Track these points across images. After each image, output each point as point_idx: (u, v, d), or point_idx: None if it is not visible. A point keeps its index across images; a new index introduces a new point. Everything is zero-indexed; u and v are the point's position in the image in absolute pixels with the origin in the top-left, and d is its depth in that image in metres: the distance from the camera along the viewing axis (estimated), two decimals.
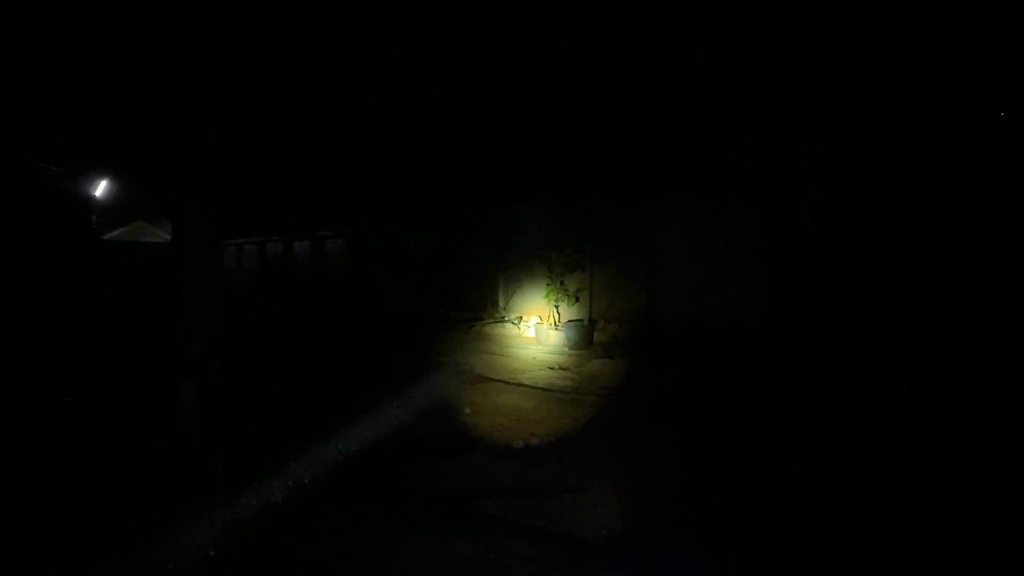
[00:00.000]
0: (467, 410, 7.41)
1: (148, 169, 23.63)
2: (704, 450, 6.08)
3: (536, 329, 13.12)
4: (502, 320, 14.74)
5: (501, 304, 15.17)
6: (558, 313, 12.99)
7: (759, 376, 9.08)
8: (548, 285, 13.02)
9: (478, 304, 15.66)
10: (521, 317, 14.44)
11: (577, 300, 12.94)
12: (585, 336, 12.07)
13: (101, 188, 21.36)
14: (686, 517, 4.39)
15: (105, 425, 6.13)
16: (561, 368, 10.16)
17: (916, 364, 8.25)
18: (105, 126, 20.40)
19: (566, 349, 11.98)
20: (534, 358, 11.20)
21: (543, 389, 8.69)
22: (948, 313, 8.68)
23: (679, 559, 3.76)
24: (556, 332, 12.50)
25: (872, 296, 9.47)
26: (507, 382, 9.12)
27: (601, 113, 12.78)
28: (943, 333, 8.54)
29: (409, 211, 17.78)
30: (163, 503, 4.03)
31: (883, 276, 9.42)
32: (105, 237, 27.46)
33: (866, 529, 4.20)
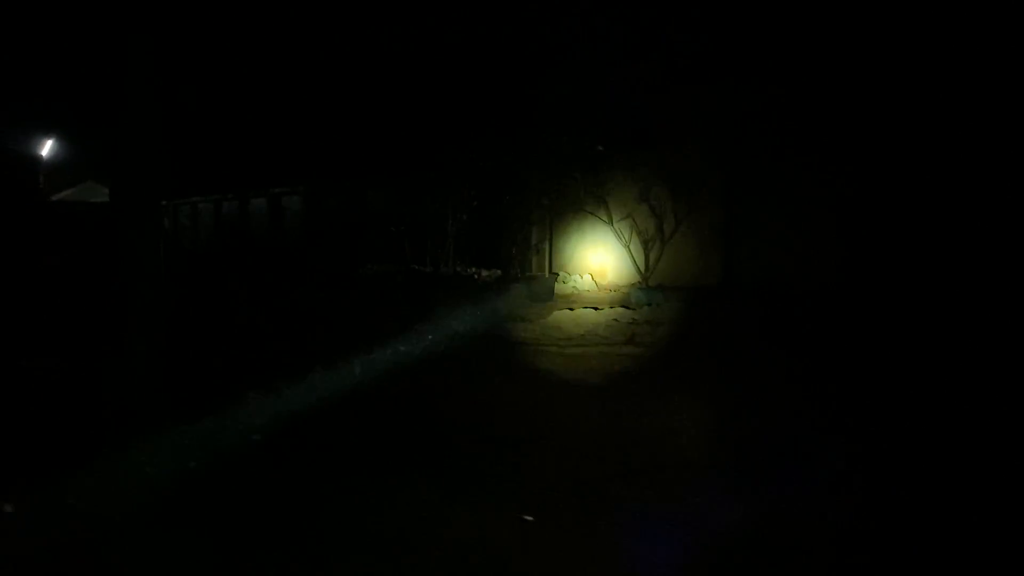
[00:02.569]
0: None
1: (96, 128, 22.90)
2: (673, 393, 6.18)
3: (498, 281, 13.15)
4: (463, 273, 14.72)
5: (462, 257, 15.12)
6: (520, 265, 13.02)
7: (726, 316, 9.33)
8: (508, 238, 13.02)
9: (439, 257, 15.59)
10: (482, 270, 14.44)
11: (538, 252, 12.97)
12: (546, 288, 12.14)
13: (48, 148, 20.71)
14: (649, 460, 4.49)
15: (61, 388, 6.03)
16: (523, 319, 10.22)
17: None
18: (51, 84, 19.69)
19: (528, 301, 12.03)
20: (495, 310, 11.22)
21: (504, 340, 8.76)
22: None
23: (631, 508, 3.84)
24: (518, 284, 12.55)
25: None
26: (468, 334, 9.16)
27: (560, 64, 12.65)
28: None
29: (366, 166, 17.52)
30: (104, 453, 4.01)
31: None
32: (55, 197, 26.69)
33: None
